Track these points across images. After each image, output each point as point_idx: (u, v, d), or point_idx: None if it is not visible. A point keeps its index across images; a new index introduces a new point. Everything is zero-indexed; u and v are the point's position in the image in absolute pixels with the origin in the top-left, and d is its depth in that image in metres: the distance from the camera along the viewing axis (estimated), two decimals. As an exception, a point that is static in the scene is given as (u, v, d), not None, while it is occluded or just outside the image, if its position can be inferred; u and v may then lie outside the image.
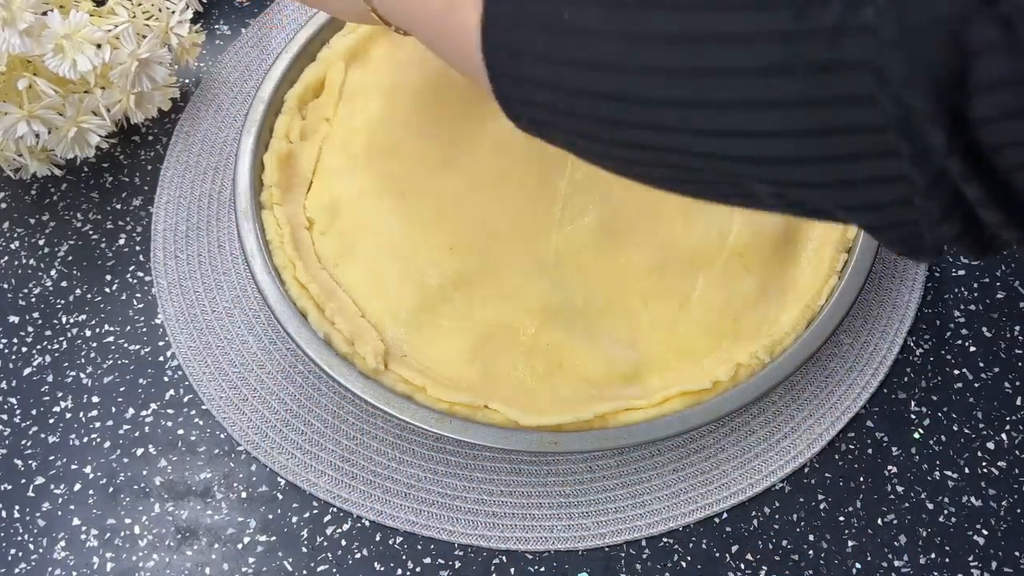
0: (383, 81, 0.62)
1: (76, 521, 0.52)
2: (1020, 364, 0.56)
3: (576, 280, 0.55)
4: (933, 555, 0.51)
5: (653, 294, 0.55)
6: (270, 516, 0.52)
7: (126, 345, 0.57)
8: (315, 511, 0.52)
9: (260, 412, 0.55)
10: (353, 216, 0.58)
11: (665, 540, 0.51)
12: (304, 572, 0.51)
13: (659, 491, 0.52)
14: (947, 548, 0.51)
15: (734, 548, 0.51)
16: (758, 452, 0.53)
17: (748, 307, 0.54)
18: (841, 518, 0.52)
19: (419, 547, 0.51)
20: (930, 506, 0.52)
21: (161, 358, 0.57)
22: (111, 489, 0.53)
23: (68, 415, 0.55)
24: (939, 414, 0.55)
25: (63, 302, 0.59)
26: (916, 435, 0.54)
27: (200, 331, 0.58)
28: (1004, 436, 0.54)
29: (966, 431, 0.54)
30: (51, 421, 0.55)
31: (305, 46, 0.62)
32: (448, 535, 0.52)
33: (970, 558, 0.51)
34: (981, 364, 0.56)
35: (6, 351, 0.57)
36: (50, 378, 0.56)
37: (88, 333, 0.58)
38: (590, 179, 0.58)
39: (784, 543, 0.51)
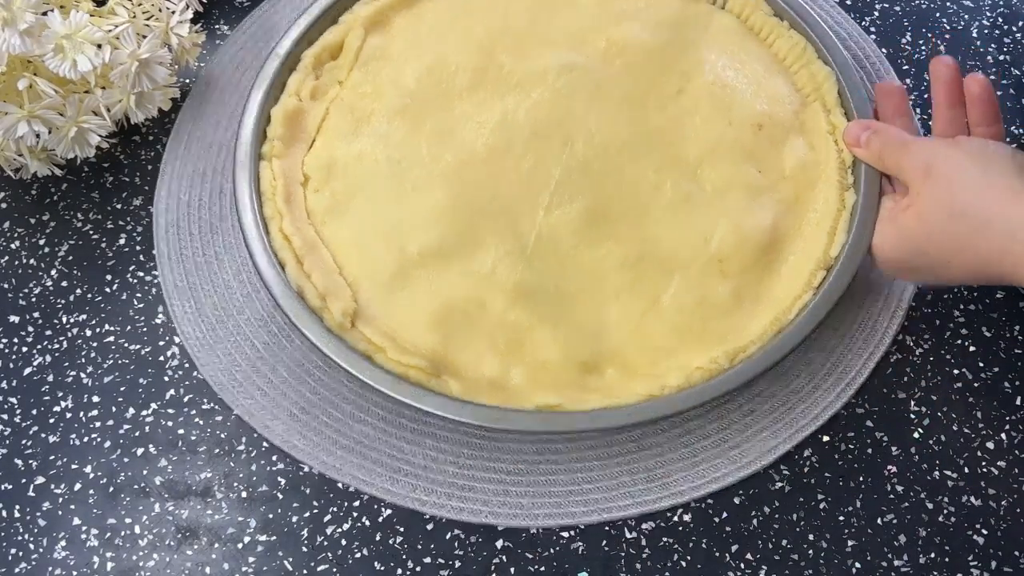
0: (400, 51, 0.64)
1: (76, 521, 0.52)
2: (1020, 364, 0.56)
3: (552, 265, 0.56)
4: (933, 555, 0.51)
5: (626, 289, 0.55)
6: (270, 516, 0.52)
7: (126, 345, 0.57)
8: (315, 510, 0.52)
9: (232, 356, 0.57)
10: (348, 177, 0.59)
11: (665, 540, 0.51)
12: (304, 572, 0.51)
13: (602, 481, 0.53)
14: (947, 548, 0.51)
15: (734, 548, 0.51)
16: (706, 456, 0.53)
17: (719, 312, 0.54)
18: (841, 518, 0.52)
19: (419, 547, 0.51)
20: (930, 506, 0.52)
21: (161, 358, 0.57)
22: (111, 489, 0.53)
23: (68, 415, 0.55)
24: (939, 414, 0.55)
25: (63, 302, 0.59)
26: (916, 435, 0.54)
27: (188, 272, 0.59)
28: (1004, 436, 0.54)
29: (966, 431, 0.54)
30: (51, 421, 0.55)
31: (328, 8, 0.64)
32: (388, 495, 0.53)
33: (970, 557, 0.51)
34: (981, 364, 0.56)
35: (6, 351, 0.57)
36: (50, 378, 0.56)
37: (88, 333, 0.58)
38: (585, 167, 0.58)
39: (784, 543, 0.51)
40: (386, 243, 0.57)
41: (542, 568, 0.51)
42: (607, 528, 0.52)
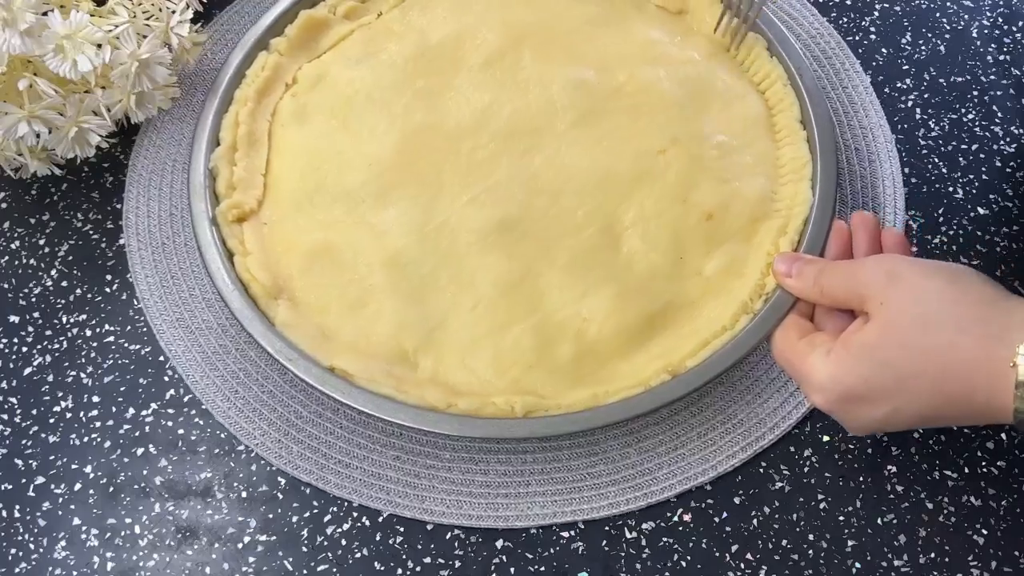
0: (446, 7, 0.66)
1: (76, 521, 0.52)
2: (1020, 364, 0.56)
3: (439, 251, 0.56)
4: (933, 555, 0.51)
5: (486, 305, 0.55)
6: (270, 516, 0.52)
7: (126, 345, 0.57)
8: (315, 511, 0.52)
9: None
10: (327, 94, 0.62)
11: (665, 540, 0.51)
12: (304, 572, 0.51)
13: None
14: (947, 548, 0.51)
15: (734, 548, 0.51)
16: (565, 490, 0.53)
17: (548, 369, 0.53)
18: (841, 518, 0.52)
19: (419, 547, 0.51)
20: (929, 506, 0.52)
21: (161, 358, 0.57)
22: (111, 489, 0.53)
23: (68, 415, 0.55)
24: (939, 414, 0.55)
25: (63, 302, 0.59)
26: (916, 435, 0.54)
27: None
28: (1003, 436, 0.54)
29: (965, 431, 0.54)
30: (51, 421, 0.55)
31: None
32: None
33: (969, 557, 0.51)
34: (981, 364, 0.56)
35: (6, 351, 0.57)
36: (50, 378, 0.56)
37: (88, 333, 0.58)
38: (530, 180, 0.58)
39: (784, 543, 0.51)
40: (317, 166, 0.59)
41: (542, 568, 0.51)
42: (607, 528, 0.52)
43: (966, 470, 0.53)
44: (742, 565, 0.51)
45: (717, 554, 0.51)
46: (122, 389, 0.56)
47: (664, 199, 0.58)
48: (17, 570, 0.51)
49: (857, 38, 0.69)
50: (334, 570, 0.51)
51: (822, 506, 0.52)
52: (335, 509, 0.53)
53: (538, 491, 0.52)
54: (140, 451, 0.54)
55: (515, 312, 0.54)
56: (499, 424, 0.51)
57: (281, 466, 0.53)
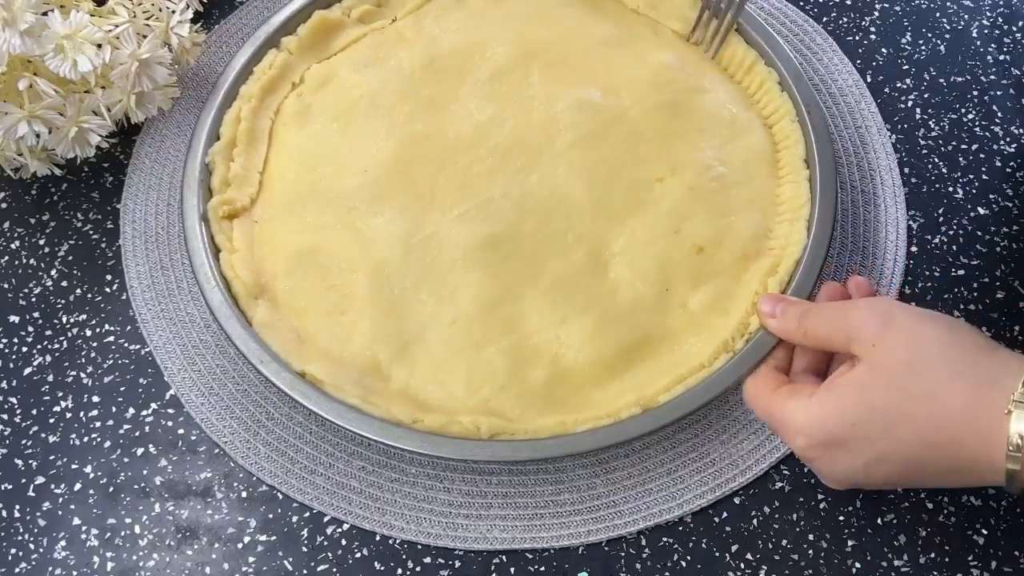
0: (460, 19, 0.65)
1: (76, 521, 0.52)
2: (1020, 364, 0.56)
3: (423, 263, 0.56)
4: (933, 554, 0.51)
5: (464, 321, 0.54)
6: (270, 516, 0.52)
7: (126, 345, 0.57)
8: (315, 511, 0.52)
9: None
10: (332, 96, 0.62)
11: (665, 540, 0.51)
12: (304, 572, 0.51)
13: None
14: (947, 547, 0.51)
15: (734, 548, 0.51)
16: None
17: (517, 392, 0.52)
18: (841, 518, 0.52)
19: (419, 547, 0.51)
20: (930, 505, 0.52)
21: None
22: (111, 489, 0.53)
23: (68, 415, 0.55)
24: (939, 414, 0.55)
25: (63, 302, 0.59)
26: (916, 435, 0.54)
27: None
28: (1004, 436, 0.54)
29: (966, 431, 0.54)
30: (51, 421, 0.55)
31: None
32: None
33: (969, 557, 0.51)
34: (981, 364, 0.56)
35: (6, 351, 0.57)
36: (50, 378, 0.56)
37: (88, 333, 0.58)
38: (523, 199, 0.57)
39: (784, 543, 0.51)
40: (313, 167, 0.59)
41: (542, 568, 0.51)
42: (607, 528, 0.52)
43: (966, 470, 0.53)
44: (742, 565, 0.51)
45: (717, 554, 0.51)
46: (122, 389, 0.56)
47: (656, 228, 0.57)
48: (17, 570, 0.51)
49: (857, 38, 0.69)
50: (334, 570, 0.51)
51: (822, 506, 0.52)
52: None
53: (499, 514, 0.52)
54: (140, 451, 0.54)
55: (493, 331, 0.54)
56: (462, 445, 0.50)
57: (247, 466, 0.53)
